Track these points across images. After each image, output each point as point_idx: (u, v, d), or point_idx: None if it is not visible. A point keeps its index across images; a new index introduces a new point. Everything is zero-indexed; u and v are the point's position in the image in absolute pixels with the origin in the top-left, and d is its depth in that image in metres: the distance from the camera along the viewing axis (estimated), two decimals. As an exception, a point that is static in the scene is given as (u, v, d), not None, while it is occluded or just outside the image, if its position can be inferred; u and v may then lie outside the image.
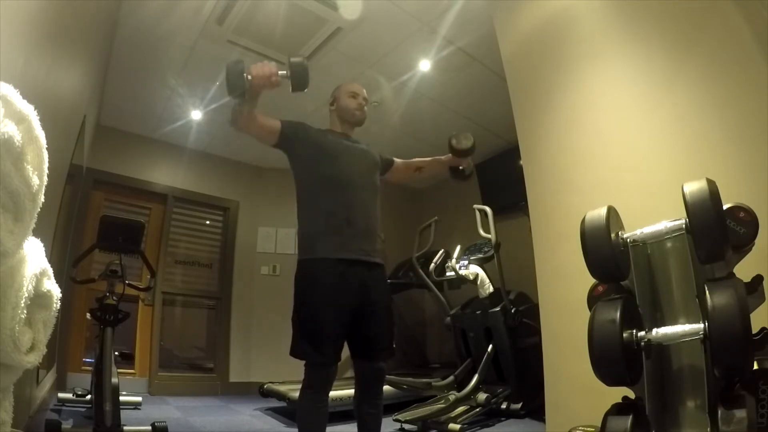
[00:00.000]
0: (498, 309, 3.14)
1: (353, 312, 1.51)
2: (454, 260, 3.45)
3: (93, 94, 3.08)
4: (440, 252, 3.72)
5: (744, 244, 1.20)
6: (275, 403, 3.44)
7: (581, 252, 1.33)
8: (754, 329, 1.06)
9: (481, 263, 3.40)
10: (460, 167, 1.91)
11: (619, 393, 1.26)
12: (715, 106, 1.55)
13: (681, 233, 1.24)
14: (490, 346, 3.16)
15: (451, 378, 3.24)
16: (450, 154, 1.83)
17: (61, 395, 3.03)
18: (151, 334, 4.11)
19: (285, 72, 1.42)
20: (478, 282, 3.31)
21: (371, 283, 1.56)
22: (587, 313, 1.28)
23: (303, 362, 1.48)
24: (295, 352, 1.49)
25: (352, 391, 1.66)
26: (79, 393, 2.88)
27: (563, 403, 1.92)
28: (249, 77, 1.37)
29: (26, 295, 0.77)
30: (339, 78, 1.84)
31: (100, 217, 2.55)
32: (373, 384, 1.58)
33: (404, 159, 1.93)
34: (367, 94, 1.79)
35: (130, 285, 2.50)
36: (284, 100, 3.84)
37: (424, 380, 3.32)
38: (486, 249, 3.38)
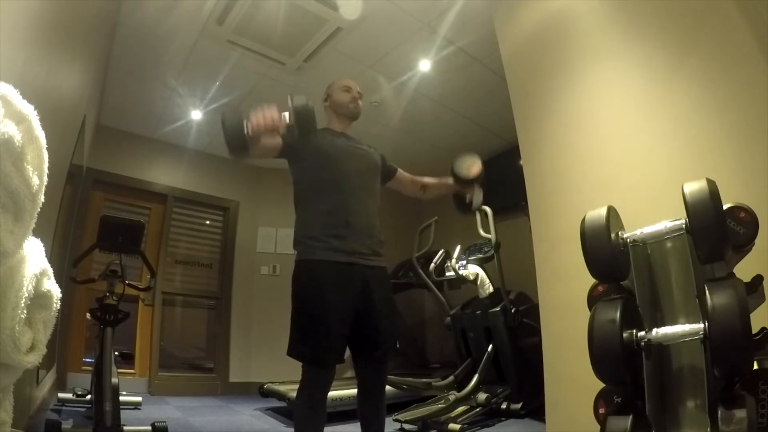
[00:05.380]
0: (498, 309, 3.14)
1: (355, 312, 1.49)
2: (454, 260, 3.45)
3: (93, 94, 3.08)
4: (440, 252, 3.72)
5: (744, 244, 1.20)
6: (275, 403, 3.44)
7: (581, 252, 1.33)
8: (754, 329, 1.06)
9: (481, 263, 3.40)
10: (468, 199, 1.71)
11: (619, 393, 1.26)
12: (715, 106, 1.55)
13: (681, 233, 1.24)
14: (490, 346, 3.16)
15: (451, 378, 3.24)
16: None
17: (61, 395, 3.03)
18: (151, 334, 4.11)
19: (287, 114, 1.30)
20: (478, 282, 3.31)
21: (373, 282, 1.54)
22: (587, 313, 1.28)
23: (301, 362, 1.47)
24: (291, 353, 1.47)
25: (351, 391, 1.65)
26: (79, 393, 2.88)
27: (563, 403, 1.92)
28: (248, 131, 1.21)
29: (26, 295, 0.77)
30: (339, 78, 1.83)
31: (100, 217, 2.55)
32: (375, 385, 1.57)
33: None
34: (367, 94, 1.78)
35: (130, 285, 2.50)
36: (283, 101, 3.84)
37: (424, 380, 3.32)
38: (486, 249, 3.38)
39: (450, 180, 1.74)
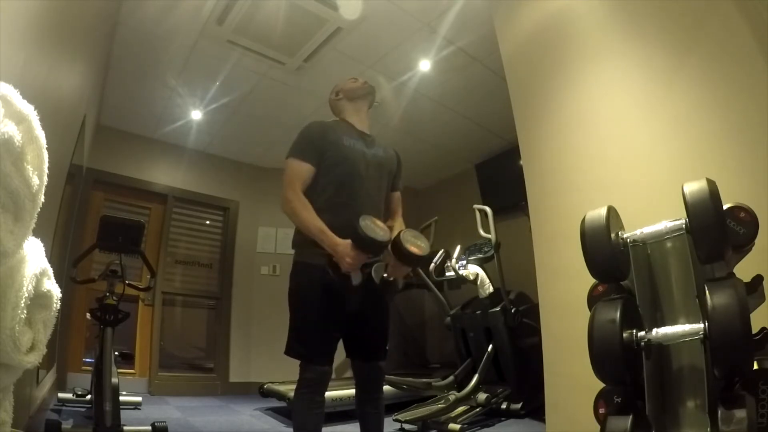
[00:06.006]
0: (498, 309, 3.14)
1: (350, 314, 1.50)
2: (454, 260, 3.45)
3: (93, 94, 3.08)
4: (440, 252, 3.72)
5: (744, 244, 1.19)
6: (275, 403, 3.45)
7: (581, 252, 1.33)
8: (754, 329, 1.06)
9: (481, 263, 3.40)
10: (386, 272, 1.47)
11: (619, 393, 1.26)
12: (715, 106, 1.55)
13: (681, 233, 1.24)
14: (490, 346, 3.16)
15: (451, 378, 3.24)
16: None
17: (61, 395, 3.03)
18: (151, 334, 4.11)
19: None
20: (478, 282, 3.31)
21: (370, 285, 1.53)
22: (587, 313, 1.28)
23: (299, 362, 1.47)
24: (289, 352, 1.49)
25: (351, 391, 1.66)
26: (79, 393, 2.88)
27: (563, 403, 1.92)
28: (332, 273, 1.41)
29: (26, 295, 0.77)
30: (339, 78, 1.84)
31: (100, 217, 2.54)
32: (373, 384, 1.58)
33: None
34: None
35: (130, 285, 2.50)
36: (283, 101, 3.84)
37: (424, 380, 3.32)
38: (486, 249, 3.38)
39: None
